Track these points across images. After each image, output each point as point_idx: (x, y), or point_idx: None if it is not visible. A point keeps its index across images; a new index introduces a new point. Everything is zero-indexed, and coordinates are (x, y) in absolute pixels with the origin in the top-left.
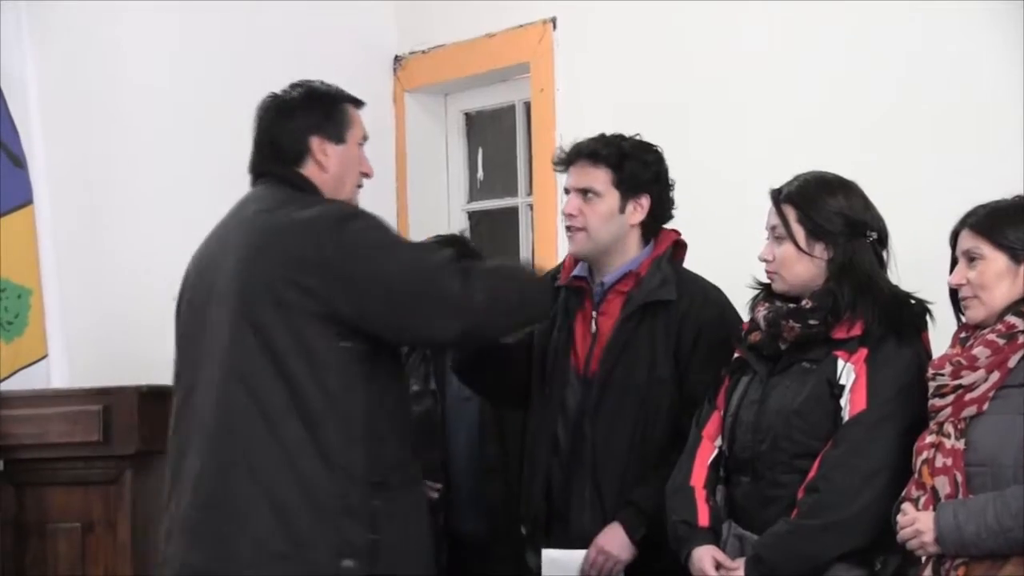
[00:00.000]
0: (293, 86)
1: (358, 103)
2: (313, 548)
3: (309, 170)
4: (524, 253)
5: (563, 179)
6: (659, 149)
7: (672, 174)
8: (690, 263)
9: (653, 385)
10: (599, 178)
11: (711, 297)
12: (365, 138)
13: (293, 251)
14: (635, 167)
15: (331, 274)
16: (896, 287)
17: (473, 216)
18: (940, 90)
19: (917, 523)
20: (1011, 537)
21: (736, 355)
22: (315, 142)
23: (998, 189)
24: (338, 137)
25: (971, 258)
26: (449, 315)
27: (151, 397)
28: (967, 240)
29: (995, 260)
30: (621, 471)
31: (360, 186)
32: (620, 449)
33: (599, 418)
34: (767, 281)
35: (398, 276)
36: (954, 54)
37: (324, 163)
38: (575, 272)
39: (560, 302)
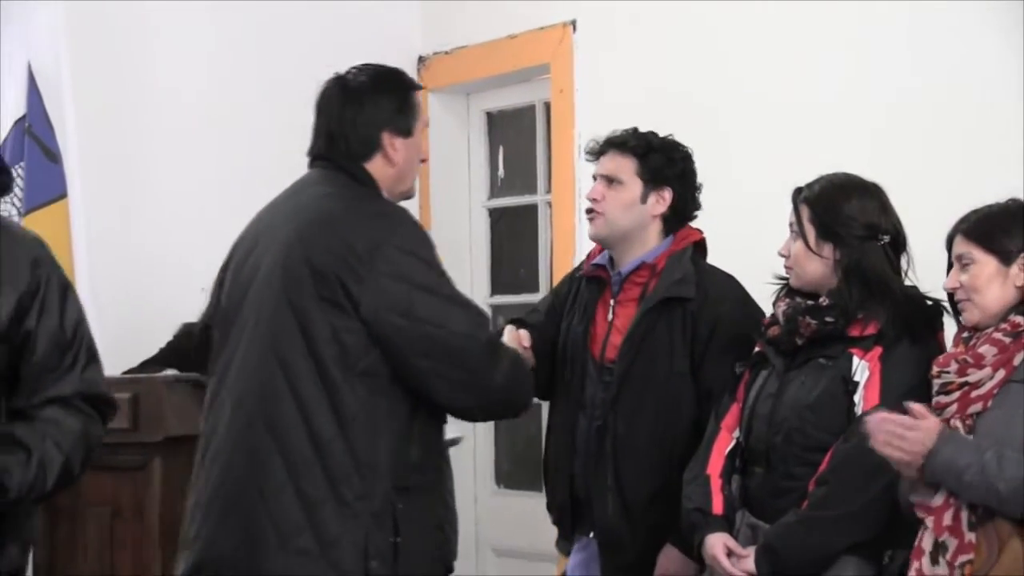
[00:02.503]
0: (360, 70)
1: (419, 87)
2: (339, 547)
3: (375, 164)
4: (543, 248)
5: (581, 177)
6: (688, 150)
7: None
8: (714, 258)
9: (672, 379)
10: (624, 167)
11: (726, 292)
12: (426, 123)
13: (348, 247)
14: (660, 160)
15: (377, 294)
16: (911, 288)
17: (493, 213)
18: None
19: (926, 421)
20: (991, 488)
21: (756, 349)
22: (386, 137)
23: (999, 188)
24: (407, 130)
25: (964, 263)
26: (471, 392)
27: (179, 385)
28: (960, 245)
29: (986, 264)
30: (642, 464)
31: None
32: (641, 442)
33: (619, 410)
34: (787, 276)
35: (449, 338)
36: (954, 54)
37: (393, 158)
38: (596, 261)
39: (580, 293)
